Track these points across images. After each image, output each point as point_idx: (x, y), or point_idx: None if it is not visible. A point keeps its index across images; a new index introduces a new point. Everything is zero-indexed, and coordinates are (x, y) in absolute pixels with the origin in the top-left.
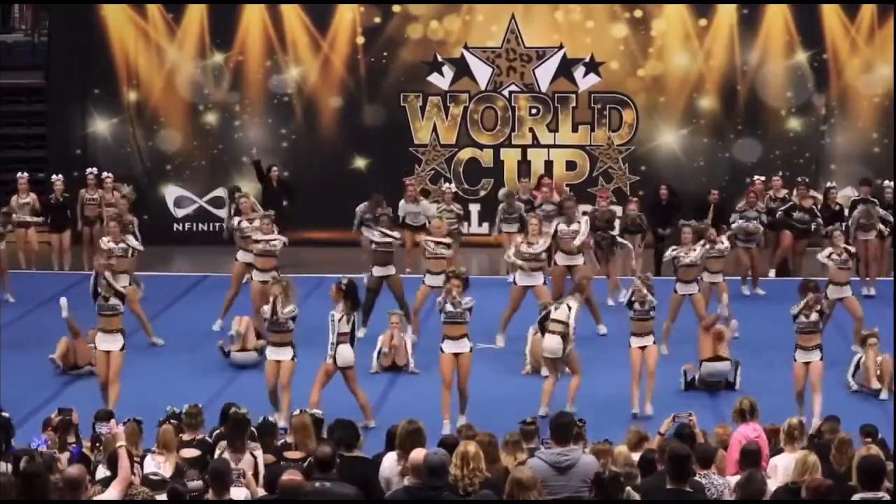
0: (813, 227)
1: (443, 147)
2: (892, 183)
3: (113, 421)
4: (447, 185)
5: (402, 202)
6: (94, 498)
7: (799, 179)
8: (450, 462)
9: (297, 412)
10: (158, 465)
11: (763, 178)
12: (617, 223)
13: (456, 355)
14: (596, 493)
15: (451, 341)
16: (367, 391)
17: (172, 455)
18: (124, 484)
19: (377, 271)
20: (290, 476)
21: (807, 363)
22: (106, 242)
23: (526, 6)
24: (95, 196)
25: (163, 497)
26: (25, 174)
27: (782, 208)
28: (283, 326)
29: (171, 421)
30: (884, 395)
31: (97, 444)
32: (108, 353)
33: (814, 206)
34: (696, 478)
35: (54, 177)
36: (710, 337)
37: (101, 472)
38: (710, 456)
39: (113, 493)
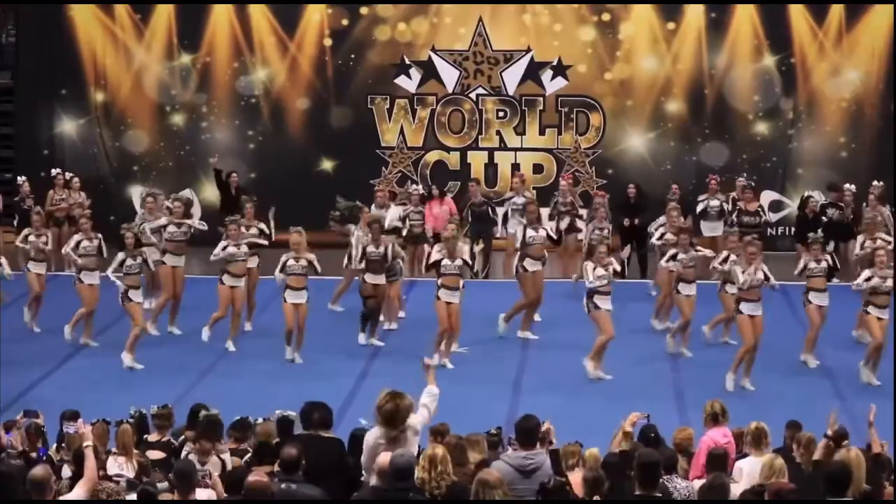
0: (759, 227)
1: (410, 149)
2: (853, 186)
3: (80, 420)
4: (413, 186)
5: (372, 207)
6: (61, 497)
7: (745, 183)
8: (416, 464)
9: (260, 420)
10: (121, 466)
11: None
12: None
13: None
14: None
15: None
16: (334, 389)
17: (132, 456)
18: (91, 484)
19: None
20: (257, 477)
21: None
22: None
23: (494, 8)
24: (63, 196)
25: (131, 497)
26: None
27: (732, 215)
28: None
29: (129, 420)
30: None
31: (62, 444)
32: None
33: (759, 210)
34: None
35: (20, 178)
36: None
37: (67, 472)
38: (674, 460)
39: (79, 492)
